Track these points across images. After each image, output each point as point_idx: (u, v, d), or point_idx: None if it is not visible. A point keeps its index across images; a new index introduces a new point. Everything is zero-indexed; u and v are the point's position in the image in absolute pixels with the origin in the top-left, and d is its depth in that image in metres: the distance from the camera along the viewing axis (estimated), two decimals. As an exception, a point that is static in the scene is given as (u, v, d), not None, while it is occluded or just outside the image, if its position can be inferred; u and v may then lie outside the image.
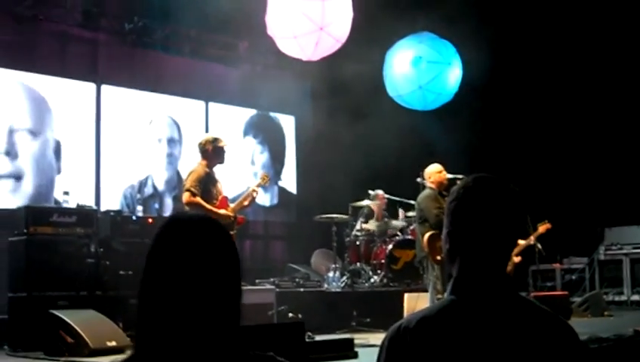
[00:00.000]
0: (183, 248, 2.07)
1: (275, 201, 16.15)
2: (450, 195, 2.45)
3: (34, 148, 12.58)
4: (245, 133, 15.87)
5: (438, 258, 9.43)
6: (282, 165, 16.45)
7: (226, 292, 2.09)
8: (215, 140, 9.60)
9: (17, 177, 12.33)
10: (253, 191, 9.83)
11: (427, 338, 2.25)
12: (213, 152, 9.42)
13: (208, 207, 9.03)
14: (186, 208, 9.24)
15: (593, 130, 14.71)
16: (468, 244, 2.35)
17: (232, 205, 9.60)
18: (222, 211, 9.22)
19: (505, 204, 2.37)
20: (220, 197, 9.42)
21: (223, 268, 2.09)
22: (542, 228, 11.37)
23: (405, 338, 2.27)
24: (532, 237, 11.29)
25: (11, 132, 12.31)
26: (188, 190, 9.16)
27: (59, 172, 12.75)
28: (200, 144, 9.66)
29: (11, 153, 12.29)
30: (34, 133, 12.61)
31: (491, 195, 2.37)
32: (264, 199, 15.90)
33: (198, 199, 9.08)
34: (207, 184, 9.28)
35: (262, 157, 16.10)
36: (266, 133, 16.23)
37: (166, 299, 2.04)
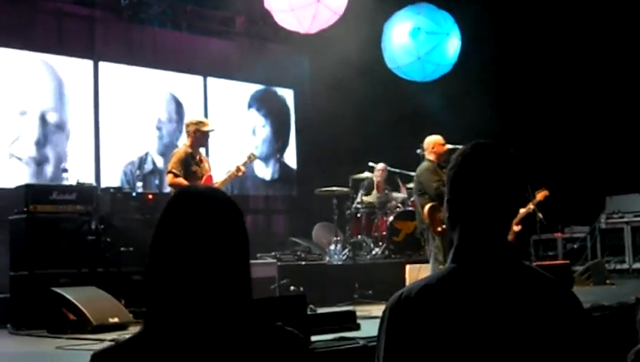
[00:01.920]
0: (193, 219, 2.06)
1: (276, 176, 16.15)
2: (450, 163, 2.43)
3: (54, 134, 12.68)
4: (249, 106, 15.86)
5: (439, 229, 9.44)
6: (286, 142, 16.42)
7: (236, 263, 2.08)
8: (199, 123, 9.87)
9: (39, 162, 12.49)
10: (238, 169, 9.89)
11: (428, 306, 2.23)
12: (195, 134, 9.62)
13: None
14: (168, 190, 9.63)
15: (594, 96, 14.66)
16: (468, 212, 2.33)
17: (216, 183, 9.66)
18: None
19: (504, 170, 2.34)
20: (205, 176, 9.52)
21: (233, 239, 2.09)
22: (540, 195, 11.36)
23: (406, 307, 2.25)
24: (530, 205, 11.27)
25: (43, 119, 12.41)
26: (170, 171, 9.47)
27: (66, 155, 12.83)
28: (185, 125, 9.98)
29: (41, 142, 12.41)
30: (55, 116, 12.74)
31: (490, 161, 2.34)
32: (265, 173, 15.91)
33: (180, 180, 9.32)
34: (189, 165, 9.51)
35: (264, 130, 16.09)
36: (270, 108, 16.22)
37: (176, 271, 2.03)
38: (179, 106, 14.55)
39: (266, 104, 16.13)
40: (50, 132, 12.68)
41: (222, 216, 2.10)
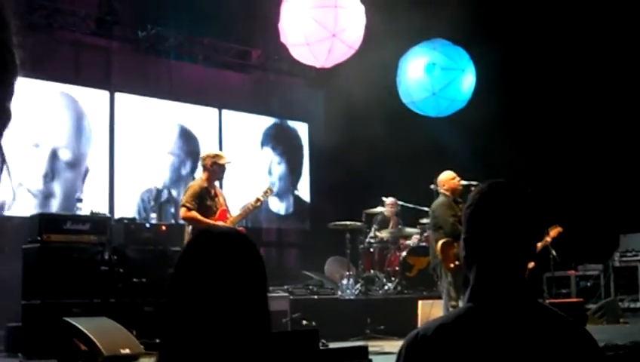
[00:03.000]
0: (214, 259, 2.08)
1: (291, 210, 16.16)
2: (467, 201, 2.44)
3: (65, 171, 12.73)
4: (263, 144, 15.89)
5: (452, 265, 9.40)
6: (299, 176, 16.45)
7: (255, 302, 2.09)
8: (216, 156, 9.73)
9: (46, 196, 12.52)
10: (253, 205, 9.87)
11: (446, 346, 2.22)
12: (212, 168, 9.53)
13: (204, 220, 9.10)
14: (182, 222, 9.66)
15: (607, 134, 14.65)
16: (485, 251, 2.33)
17: (231, 217, 9.63)
18: (219, 224, 9.23)
19: (521, 209, 2.35)
20: (219, 211, 9.47)
21: (252, 279, 2.10)
22: (553, 231, 11.30)
23: (423, 346, 2.25)
24: (545, 240, 11.22)
25: (54, 154, 12.48)
26: (183, 205, 9.35)
27: (81, 191, 12.87)
28: (201, 158, 9.89)
29: (49, 176, 12.47)
30: (69, 154, 12.80)
31: (508, 200, 2.35)
32: (279, 207, 15.92)
33: (194, 213, 9.23)
34: (204, 198, 9.39)
35: (279, 168, 16.12)
36: (285, 144, 16.25)
37: (195, 309, 2.04)
38: (192, 138, 14.59)
39: (280, 140, 16.16)
40: (60, 166, 12.70)
41: (242, 257, 2.12)
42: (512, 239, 2.32)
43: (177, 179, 14.17)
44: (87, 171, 12.99)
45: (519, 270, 2.34)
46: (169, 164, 14.21)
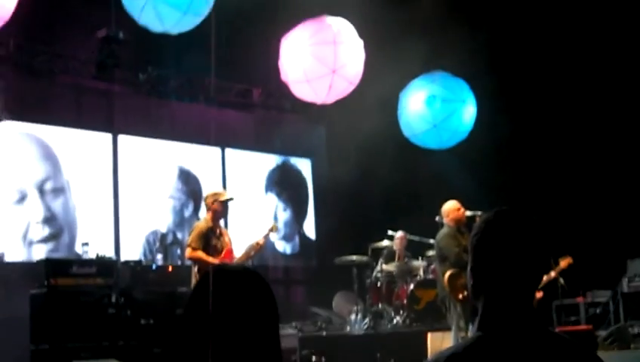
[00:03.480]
0: (227, 297, 2.08)
1: (297, 250, 16.14)
2: (473, 230, 2.44)
3: (62, 206, 12.72)
4: (268, 185, 15.89)
5: (460, 296, 9.38)
6: (305, 214, 16.44)
7: (267, 339, 2.09)
8: (215, 194, 9.92)
9: (55, 236, 12.51)
10: (258, 244, 9.93)
11: None
12: (214, 206, 9.65)
13: (210, 259, 9.16)
14: (188, 263, 9.84)
15: (611, 161, 14.63)
16: (492, 280, 2.33)
17: (237, 257, 9.68)
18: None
19: (528, 237, 2.34)
20: (225, 250, 9.52)
21: (264, 315, 2.10)
22: (563, 262, 11.26)
23: None
24: (553, 273, 11.18)
25: (42, 193, 12.47)
26: (189, 245, 9.50)
27: (74, 209, 12.85)
28: (204, 198, 10.10)
29: (48, 217, 12.47)
30: (60, 190, 12.78)
31: (513, 229, 2.35)
32: (285, 247, 15.92)
33: (199, 253, 9.35)
34: (209, 238, 9.53)
35: (285, 214, 16.10)
36: (289, 183, 16.24)
37: (208, 347, 2.04)
38: (193, 179, 14.61)
39: (284, 179, 16.14)
40: (63, 208, 12.70)
41: (254, 293, 2.13)
42: (519, 267, 2.32)
43: (181, 221, 14.19)
44: (90, 213, 12.99)
45: (527, 297, 2.33)
46: (172, 206, 14.22)
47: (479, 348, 2.27)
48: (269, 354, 2.10)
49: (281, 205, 16.06)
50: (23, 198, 12.31)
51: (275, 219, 15.78)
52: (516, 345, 2.25)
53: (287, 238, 15.95)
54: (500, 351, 2.24)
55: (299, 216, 16.32)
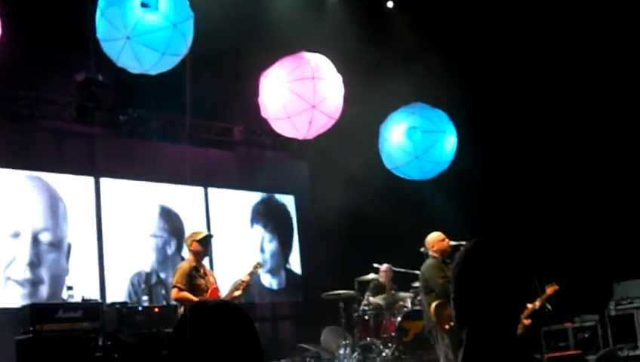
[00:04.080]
0: (210, 333, 2.08)
1: (283, 285, 16.11)
2: (454, 261, 2.45)
3: (49, 253, 12.70)
4: (252, 221, 15.89)
5: (447, 327, 9.36)
6: (290, 249, 16.44)
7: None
8: (194, 234, 10.02)
9: (34, 283, 12.45)
10: (243, 282, 9.91)
11: None
12: (196, 246, 9.69)
13: (196, 299, 9.16)
14: (174, 303, 9.90)
15: (593, 184, 14.71)
16: (474, 309, 2.33)
17: (222, 296, 9.67)
18: None
19: (508, 266, 2.35)
20: (210, 289, 9.54)
21: (248, 352, 2.10)
22: (549, 289, 11.26)
23: None
24: (539, 301, 11.19)
25: (36, 241, 12.45)
26: (174, 286, 9.49)
27: (67, 271, 12.78)
28: (185, 240, 10.19)
29: (34, 263, 12.42)
30: (48, 236, 12.76)
31: (493, 258, 2.35)
32: (272, 282, 15.88)
33: (185, 294, 9.36)
34: (193, 278, 9.55)
35: (270, 245, 16.10)
36: (274, 220, 16.25)
37: None
38: (175, 218, 14.59)
39: (269, 216, 16.15)
40: (44, 252, 12.64)
41: (237, 329, 2.13)
42: (500, 296, 2.32)
43: (164, 261, 14.15)
44: (70, 254, 12.93)
45: (511, 326, 2.33)
46: (155, 245, 14.19)
47: None
48: None
49: (267, 236, 16.06)
50: (16, 236, 12.34)
51: (262, 251, 15.79)
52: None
53: (273, 272, 15.93)
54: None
55: (284, 247, 16.32)
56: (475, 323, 2.33)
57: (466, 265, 2.38)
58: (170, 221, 14.54)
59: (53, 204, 12.97)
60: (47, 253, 12.71)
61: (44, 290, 12.51)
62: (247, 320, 2.17)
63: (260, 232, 15.95)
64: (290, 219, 16.54)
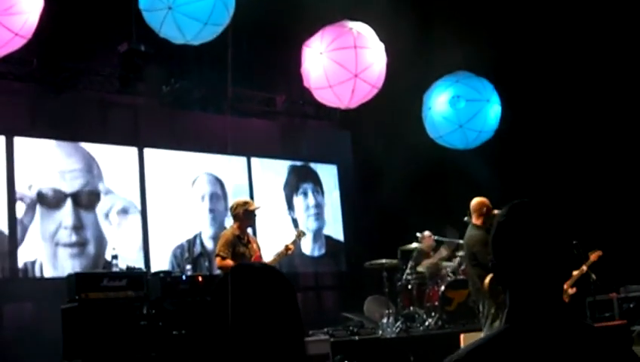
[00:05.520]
0: (248, 295, 2.07)
1: (323, 251, 16.09)
2: (492, 227, 2.39)
3: (92, 217, 12.84)
4: (294, 189, 15.88)
5: (500, 298, 9.24)
6: (319, 209, 16.39)
7: (292, 338, 2.08)
8: (245, 204, 10.00)
9: (81, 244, 12.61)
10: (287, 248, 9.94)
11: None
12: (243, 215, 9.78)
13: None
14: (218, 272, 10.10)
15: None
16: (514, 275, 2.28)
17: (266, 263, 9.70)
18: None
19: (545, 227, 2.28)
20: (253, 257, 9.56)
21: (287, 315, 2.10)
22: (593, 256, 11.16)
23: None
24: (584, 266, 11.08)
25: (76, 203, 12.60)
26: (218, 255, 9.63)
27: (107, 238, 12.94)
28: (231, 208, 10.15)
29: (78, 226, 12.59)
30: (90, 201, 12.90)
31: (529, 221, 2.29)
32: (313, 250, 15.89)
33: (228, 262, 9.45)
34: (237, 246, 9.62)
35: (311, 212, 16.08)
36: (315, 188, 16.23)
37: (232, 348, 2.03)
38: (224, 187, 14.66)
39: (310, 184, 16.16)
40: (85, 217, 12.81)
41: (276, 291, 2.12)
42: (539, 260, 2.26)
43: (209, 231, 14.21)
44: (111, 221, 13.08)
45: (553, 290, 2.28)
46: (200, 216, 14.26)
47: (505, 340, 2.23)
48: (291, 344, 2.09)
49: (307, 203, 16.03)
50: (58, 204, 12.51)
51: (302, 217, 15.80)
52: (544, 336, 2.20)
53: (314, 238, 15.93)
54: (527, 342, 2.20)
55: (320, 213, 16.28)
56: (516, 288, 2.29)
57: (502, 231, 2.32)
58: (218, 193, 14.59)
59: (96, 173, 13.07)
60: (94, 224, 12.86)
61: (90, 251, 12.72)
62: (288, 285, 2.16)
63: (300, 199, 15.94)
64: (331, 187, 16.48)
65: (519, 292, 2.28)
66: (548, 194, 13.43)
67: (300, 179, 16.13)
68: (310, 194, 16.20)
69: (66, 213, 12.61)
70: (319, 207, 16.29)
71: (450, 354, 2.30)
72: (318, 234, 16.10)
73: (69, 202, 12.66)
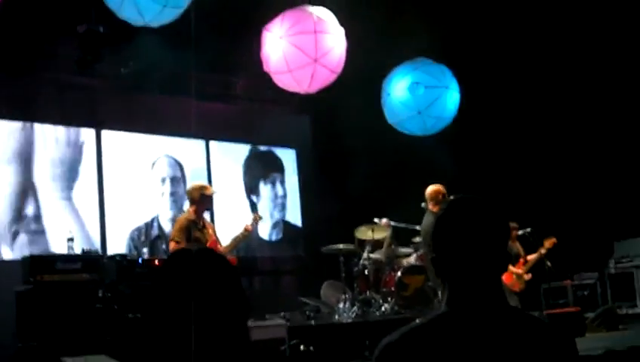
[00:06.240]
0: (188, 275, 2.10)
1: (280, 236, 16.10)
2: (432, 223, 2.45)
3: (50, 205, 12.74)
4: (252, 173, 15.85)
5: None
6: (285, 199, 16.41)
7: (228, 314, 2.11)
8: (202, 188, 10.02)
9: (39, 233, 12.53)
10: (246, 230, 9.96)
11: (412, 348, 2.24)
12: (199, 199, 9.79)
13: None
14: None
15: (599, 141, 14.67)
16: (452, 268, 2.34)
17: (222, 248, 9.68)
18: None
19: (482, 223, 2.34)
20: (209, 242, 9.55)
21: (230, 295, 2.12)
22: (548, 243, 11.32)
23: (390, 350, 2.27)
24: (540, 251, 11.22)
25: (34, 191, 12.49)
26: (172, 239, 9.63)
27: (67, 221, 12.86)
28: (188, 191, 10.25)
29: (38, 215, 12.52)
30: (52, 188, 12.81)
31: (467, 216, 2.35)
32: (271, 234, 15.89)
33: (182, 247, 9.25)
34: (192, 231, 9.56)
35: (269, 196, 16.08)
36: (273, 172, 16.22)
37: (173, 331, 2.06)
38: (183, 170, 14.61)
39: (269, 168, 16.13)
40: (47, 204, 12.71)
41: (214, 274, 2.14)
42: (476, 253, 2.32)
43: (166, 214, 14.16)
44: (69, 205, 12.99)
45: (491, 280, 2.33)
46: (159, 199, 14.20)
47: (442, 322, 2.29)
48: (231, 324, 2.11)
49: (265, 187, 16.02)
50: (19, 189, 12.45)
51: (260, 201, 15.80)
52: (480, 320, 2.26)
53: (272, 223, 15.93)
54: (462, 325, 2.25)
55: (284, 200, 16.29)
56: (456, 280, 2.34)
57: (439, 226, 2.38)
58: (175, 173, 14.54)
59: (53, 156, 12.97)
60: (51, 208, 12.76)
61: (48, 240, 12.61)
62: (228, 267, 2.18)
63: (258, 183, 15.93)
64: (290, 172, 16.48)
65: (458, 284, 2.33)
66: (504, 181, 13.54)
67: (267, 167, 16.09)
68: (278, 184, 16.20)
69: (26, 200, 12.50)
70: (285, 197, 16.29)
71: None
72: (277, 219, 16.11)
73: (29, 188, 12.55)
